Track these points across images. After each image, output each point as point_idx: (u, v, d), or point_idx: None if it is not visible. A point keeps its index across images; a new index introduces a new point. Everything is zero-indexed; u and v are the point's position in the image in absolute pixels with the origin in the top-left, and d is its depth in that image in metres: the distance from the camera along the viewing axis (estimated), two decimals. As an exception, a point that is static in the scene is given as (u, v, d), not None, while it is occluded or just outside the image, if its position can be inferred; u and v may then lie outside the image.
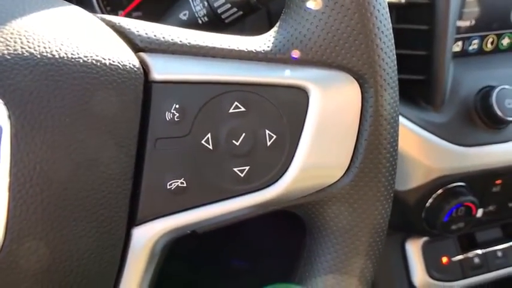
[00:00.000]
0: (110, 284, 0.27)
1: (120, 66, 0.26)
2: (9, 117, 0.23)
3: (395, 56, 0.28)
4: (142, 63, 0.27)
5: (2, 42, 0.24)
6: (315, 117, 0.28)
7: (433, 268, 0.70)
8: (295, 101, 0.28)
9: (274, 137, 0.28)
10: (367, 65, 0.27)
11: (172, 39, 0.28)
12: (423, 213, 0.61)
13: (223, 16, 0.44)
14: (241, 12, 0.44)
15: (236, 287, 0.65)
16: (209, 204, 0.27)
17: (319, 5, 0.46)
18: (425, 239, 0.69)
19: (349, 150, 0.28)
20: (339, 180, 0.29)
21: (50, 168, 0.24)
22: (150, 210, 0.27)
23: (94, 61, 0.25)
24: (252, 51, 0.28)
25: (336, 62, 0.27)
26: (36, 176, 0.24)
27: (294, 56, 0.28)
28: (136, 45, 0.28)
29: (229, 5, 0.44)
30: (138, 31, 0.28)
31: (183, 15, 0.45)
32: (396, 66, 0.28)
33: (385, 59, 0.27)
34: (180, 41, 0.28)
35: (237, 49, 0.28)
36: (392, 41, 0.28)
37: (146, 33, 0.28)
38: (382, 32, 0.27)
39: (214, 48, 0.28)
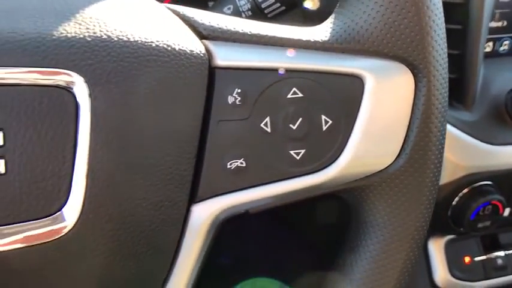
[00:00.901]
0: (169, 258, 0.29)
1: (188, 51, 0.28)
2: (90, 95, 0.25)
3: (446, 48, 0.30)
4: (206, 49, 0.29)
5: (82, 25, 0.26)
6: (369, 105, 0.29)
7: (456, 267, 0.71)
8: (351, 89, 0.29)
9: (330, 122, 0.29)
10: (421, 55, 0.28)
11: (234, 29, 0.29)
12: (449, 211, 0.62)
13: (266, 11, 0.46)
14: (283, 8, 0.46)
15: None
16: (266, 185, 0.29)
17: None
18: (447, 238, 0.70)
19: (400, 138, 0.30)
20: (389, 166, 0.30)
21: (125, 144, 0.26)
22: (210, 188, 0.29)
23: (165, 46, 0.27)
24: (310, 41, 0.29)
25: (391, 53, 0.29)
26: (113, 150, 0.25)
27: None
28: (200, 33, 0.29)
29: (273, 0, 0.45)
30: (201, 20, 0.29)
31: (227, 9, 0.47)
32: (447, 58, 0.30)
33: (438, 50, 0.29)
34: (242, 30, 0.29)
35: (296, 38, 0.29)
36: (445, 33, 0.29)
37: (209, 22, 0.29)
38: (436, 24, 0.29)
39: (273, 37, 0.29)
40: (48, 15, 0.26)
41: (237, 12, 0.46)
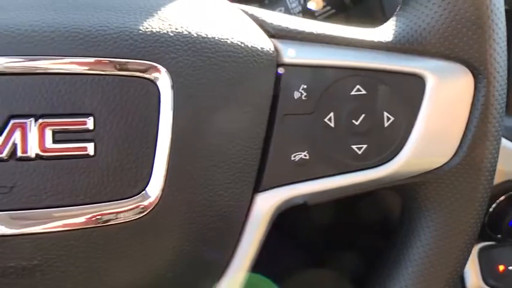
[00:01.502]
0: (232, 245, 0.30)
1: (259, 48, 0.29)
2: (172, 86, 0.27)
3: (506, 50, 0.31)
4: (274, 47, 0.30)
5: (165, 21, 0.28)
6: (430, 104, 0.30)
7: (489, 275, 0.71)
8: (413, 88, 0.30)
9: (392, 119, 0.30)
10: (482, 57, 0.30)
11: (300, 28, 0.31)
12: (486, 217, 0.62)
13: (316, 13, 0.48)
14: (334, 11, 0.47)
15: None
16: (328, 177, 0.30)
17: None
18: (480, 245, 0.69)
19: (458, 136, 0.31)
20: (445, 163, 0.31)
21: (201, 133, 0.27)
22: (274, 179, 0.30)
23: (239, 43, 0.29)
24: (373, 41, 0.31)
25: (452, 54, 0.30)
26: (191, 138, 0.27)
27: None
28: (269, 31, 0.31)
29: (324, 3, 0.47)
30: (269, 19, 0.31)
31: (279, 11, 0.49)
32: (507, 58, 0.31)
33: (498, 52, 0.30)
34: (308, 30, 0.31)
35: (360, 38, 0.31)
36: (505, 33, 0.30)
37: (277, 22, 0.31)
38: (496, 25, 0.30)
39: (337, 37, 0.31)
40: (134, 11, 0.28)
41: (287, 14, 0.48)
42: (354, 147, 0.30)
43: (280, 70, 0.29)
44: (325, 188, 0.31)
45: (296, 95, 0.30)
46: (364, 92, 0.30)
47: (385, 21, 0.56)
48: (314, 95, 0.30)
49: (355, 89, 0.30)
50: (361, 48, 0.31)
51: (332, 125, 0.30)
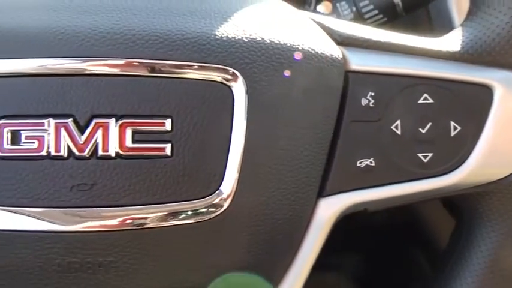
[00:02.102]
0: (293, 249, 0.31)
1: (328, 55, 0.30)
2: (246, 91, 0.27)
3: None
4: (342, 54, 0.31)
5: (239, 27, 0.28)
6: (497, 115, 0.30)
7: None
8: (480, 98, 0.30)
9: (459, 128, 0.30)
10: None
11: (367, 36, 0.31)
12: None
13: (368, 21, 0.48)
14: (385, 19, 0.48)
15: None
16: (393, 184, 0.30)
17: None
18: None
19: None
20: (509, 175, 0.31)
21: (272, 136, 0.28)
22: (338, 184, 0.30)
23: (309, 49, 0.29)
24: (441, 50, 0.31)
25: None
26: (263, 141, 0.28)
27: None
28: (336, 39, 0.31)
29: (376, 11, 0.47)
30: (336, 27, 0.32)
31: (330, 19, 0.49)
32: None
33: None
34: (374, 38, 0.31)
35: (426, 47, 0.31)
36: None
37: (343, 30, 0.31)
38: None
39: (404, 45, 0.31)
40: (209, 16, 0.29)
41: (339, 22, 0.49)
42: (419, 155, 0.30)
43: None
44: (389, 195, 0.31)
45: (363, 101, 0.30)
46: (431, 100, 0.30)
47: (432, 30, 0.56)
48: (381, 102, 0.30)
49: (422, 98, 0.30)
50: (429, 57, 0.31)
51: (399, 132, 0.30)
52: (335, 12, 0.49)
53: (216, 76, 0.27)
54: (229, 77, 0.27)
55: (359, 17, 0.48)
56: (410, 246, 0.59)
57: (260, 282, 0.29)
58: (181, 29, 0.27)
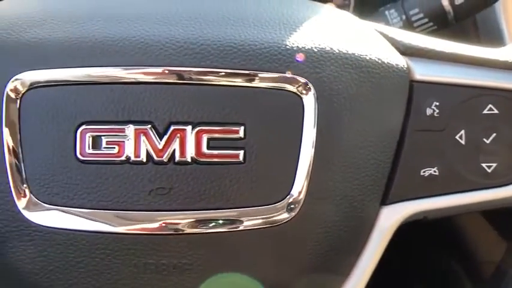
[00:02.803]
0: (355, 256, 0.31)
1: (394, 65, 0.30)
2: (316, 100, 0.28)
3: None
4: (406, 64, 0.31)
5: (308, 37, 0.29)
6: None
7: None
8: None
9: None
10: None
11: (430, 46, 0.32)
12: None
13: (417, 29, 0.48)
14: (435, 27, 0.48)
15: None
16: (456, 194, 0.31)
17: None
18: None
19: None
20: None
21: (340, 144, 0.28)
22: (401, 193, 0.31)
23: (376, 59, 0.30)
24: (505, 61, 0.31)
25: None
26: (331, 149, 0.28)
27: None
28: (399, 49, 0.32)
29: (426, 20, 0.47)
30: (399, 37, 0.32)
31: (379, 26, 0.49)
32: None
33: None
34: (438, 48, 0.32)
35: (490, 58, 0.31)
36: None
37: (407, 40, 0.32)
38: None
39: (468, 56, 0.31)
40: (279, 27, 0.29)
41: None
42: (483, 165, 0.31)
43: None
44: (452, 204, 0.31)
45: (428, 111, 0.31)
46: (496, 111, 0.31)
47: (478, 39, 0.56)
48: (446, 112, 0.30)
49: (487, 108, 0.31)
50: (493, 68, 0.31)
51: (463, 142, 0.31)
52: (384, 20, 0.49)
53: (288, 85, 0.28)
54: (300, 86, 0.28)
55: (408, 25, 0.48)
56: (447, 255, 0.59)
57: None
58: (253, 39, 0.28)
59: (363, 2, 0.67)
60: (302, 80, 0.28)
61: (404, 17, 0.48)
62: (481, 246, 0.55)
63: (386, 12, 0.50)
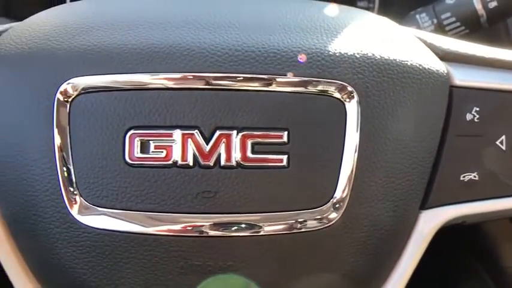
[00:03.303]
0: (393, 260, 0.31)
1: (434, 70, 0.30)
2: (358, 105, 0.28)
3: None
4: (446, 69, 0.31)
5: (350, 43, 0.29)
6: None
7: None
8: None
9: None
10: None
11: (470, 52, 0.32)
12: None
13: (449, 33, 0.48)
14: (467, 31, 0.48)
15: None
16: (495, 199, 0.31)
17: None
18: None
19: None
20: None
21: (382, 148, 0.29)
22: (441, 197, 0.31)
23: (417, 64, 0.30)
24: None
25: None
26: (374, 153, 0.29)
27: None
28: (438, 54, 0.32)
29: (458, 23, 0.47)
30: (438, 43, 0.32)
31: (410, 30, 0.49)
32: None
33: None
34: (477, 53, 0.32)
35: None
36: None
37: (446, 46, 0.32)
38: None
39: (508, 61, 0.32)
40: (320, 32, 0.30)
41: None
42: None
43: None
44: (491, 209, 0.31)
45: (468, 116, 0.31)
46: None
47: (510, 43, 0.55)
48: (486, 118, 0.31)
49: None
50: None
51: (503, 148, 0.31)
52: (414, 24, 0.49)
53: (331, 91, 0.28)
54: (343, 91, 0.28)
55: (440, 29, 0.48)
56: (473, 260, 0.59)
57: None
58: (296, 45, 0.29)
59: (386, 5, 0.67)
60: (345, 85, 0.28)
61: (435, 21, 0.48)
62: (506, 251, 0.55)
63: (417, 17, 0.50)
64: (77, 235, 0.28)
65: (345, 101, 0.28)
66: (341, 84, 0.28)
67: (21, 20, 0.34)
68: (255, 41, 0.29)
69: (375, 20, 0.33)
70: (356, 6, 0.65)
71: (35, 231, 0.29)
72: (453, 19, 0.47)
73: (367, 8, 0.69)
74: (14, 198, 0.29)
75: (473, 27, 0.47)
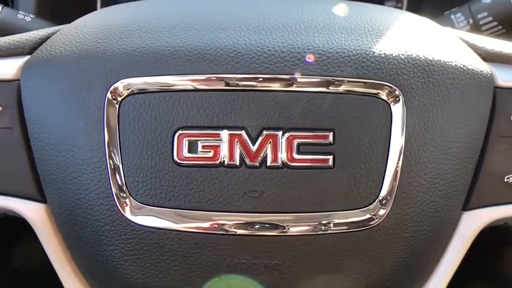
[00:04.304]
0: (435, 261, 0.31)
1: (478, 71, 0.30)
2: (404, 106, 0.28)
3: None
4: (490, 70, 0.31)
5: (394, 44, 0.30)
6: None
7: None
8: None
9: None
10: None
11: None
12: None
13: (485, 33, 0.47)
14: (504, 30, 0.47)
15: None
16: None
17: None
18: None
19: None
20: None
21: (428, 149, 0.29)
22: (483, 198, 0.31)
23: (461, 66, 0.30)
24: None
25: None
26: (419, 154, 0.29)
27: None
28: (481, 55, 0.32)
29: (496, 23, 0.47)
30: (481, 43, 0.32)
31: (444, 30, 0.49)
32: None
33: None
34: None
35: None
36: None
37: (489, 46, 0.32)
38: None
39: None
40: (365, 34, 0.30)
41: (454, 34, 0.49)
42: None
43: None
44: None
45: None
46: None
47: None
48: None
49: None
50: None
51: None
52: (449, 24, 0.49)
53: (376, 92, 0.28)
54: (387, 92, 0.28)
55: (476, 28, 0.48)
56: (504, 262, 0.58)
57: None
58: (341, 46, 0.29)
59: (415, 5, 0.67)
60: (391, 87, 0.28)
61: (471, 20, 0.48)
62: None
63: (452, 16, 0.49)
64: (126, 233, 0.29)
65: (391, 102, 0.29)
66: (388, 86, 0.28)
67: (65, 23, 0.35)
68: (300, 42, 0.29)
69: (417, 20, 0.33)
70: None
71: (84, 228, 0.30)
72: (490, 18, 0.46)
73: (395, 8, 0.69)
74: (64, 197, 0.30)
75: (510, 26, 0.47)
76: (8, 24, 0.49)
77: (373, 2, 0.52)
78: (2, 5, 0.49)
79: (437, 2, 0.52)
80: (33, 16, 0.51)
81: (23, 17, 0.50)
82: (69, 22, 0.35)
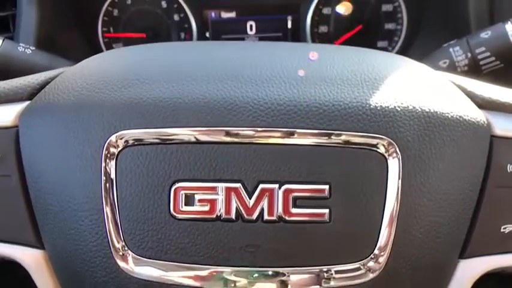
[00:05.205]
0: None
1: (474, 121, 0.30)
2: (400, 159, 0.29)
3: None
4: (486, 119, 0.31)
5: (390, 95, 0.30)
6: None
7: None
8: None
9: None
10: None
11: (510, 101, 0.32)
12: None
13: (483, 67, 0.48)
14: (502, 65, 0.47)
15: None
16: None
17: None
18: None
19: None
20: None
21: (424, 201, 0.29)
22: (480, 248, 0.31)
23: (457, 117, 0.30)
24: None
25: None
26: (415, 206, 0.29)
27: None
28: (477, 102, 0.32)
29: (493, 58, 0.47)
30: (478, 91, 0.32)
31: (443, 63, 0.49)
32: None
33: None
34: None
35: None
36: None
37: (486, 94, 0.32)
38: None
39: None
40: (361, 85, 0.30)
41: (452, 67, 0.49)
42: None
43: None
44: None
45: (509, 168, 0.30)
46: None
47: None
48: None
49: None
50: None
51: None
52: (447, 57, 0.49)
53: (373, 145, 0.28)
54: (383, 145, 0.28)
55: (474, 63, 0.48)
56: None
57: None
58: (338, 99, 0.29)
59: (413, 29, 0.67)
60: (387, 140, 0.29)
61: (469, 54, 0.48)
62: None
63: (451, 50, 0.50)
64: (123, 285, 0.29)
65: (387, 155, 0.29)
66: (383, 138, 0.29)
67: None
68: (297, 94, 0.29)
69: (413, 68, 0.33)
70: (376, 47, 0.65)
71: (81, 278, 0.30)
72: (488, 54, 0.46)
73: (387, 49, 0.69)
74: (62, 245, 0.30)
75: (509, 61, 0.47)
76: (8, 56, 0.49)
77: (365, 42, 0.51)
78: (3, 38, 0.50)
79: (430, 42, 0.52)
80: (33, 48, 0.51)
81: (23, 49, 0.50)
82: (70, 53, 0.34)
